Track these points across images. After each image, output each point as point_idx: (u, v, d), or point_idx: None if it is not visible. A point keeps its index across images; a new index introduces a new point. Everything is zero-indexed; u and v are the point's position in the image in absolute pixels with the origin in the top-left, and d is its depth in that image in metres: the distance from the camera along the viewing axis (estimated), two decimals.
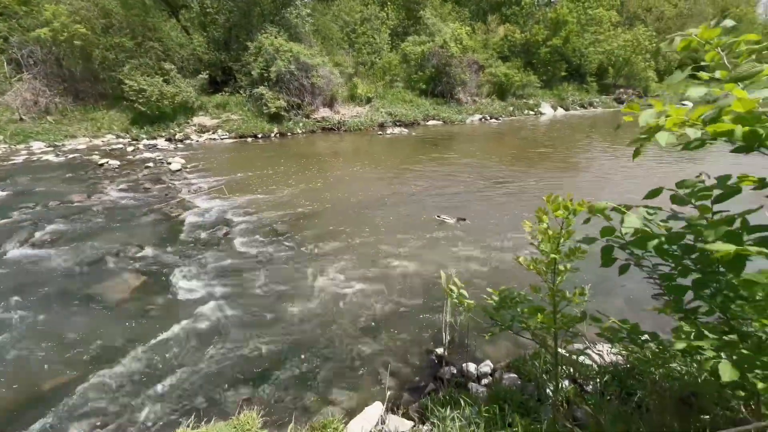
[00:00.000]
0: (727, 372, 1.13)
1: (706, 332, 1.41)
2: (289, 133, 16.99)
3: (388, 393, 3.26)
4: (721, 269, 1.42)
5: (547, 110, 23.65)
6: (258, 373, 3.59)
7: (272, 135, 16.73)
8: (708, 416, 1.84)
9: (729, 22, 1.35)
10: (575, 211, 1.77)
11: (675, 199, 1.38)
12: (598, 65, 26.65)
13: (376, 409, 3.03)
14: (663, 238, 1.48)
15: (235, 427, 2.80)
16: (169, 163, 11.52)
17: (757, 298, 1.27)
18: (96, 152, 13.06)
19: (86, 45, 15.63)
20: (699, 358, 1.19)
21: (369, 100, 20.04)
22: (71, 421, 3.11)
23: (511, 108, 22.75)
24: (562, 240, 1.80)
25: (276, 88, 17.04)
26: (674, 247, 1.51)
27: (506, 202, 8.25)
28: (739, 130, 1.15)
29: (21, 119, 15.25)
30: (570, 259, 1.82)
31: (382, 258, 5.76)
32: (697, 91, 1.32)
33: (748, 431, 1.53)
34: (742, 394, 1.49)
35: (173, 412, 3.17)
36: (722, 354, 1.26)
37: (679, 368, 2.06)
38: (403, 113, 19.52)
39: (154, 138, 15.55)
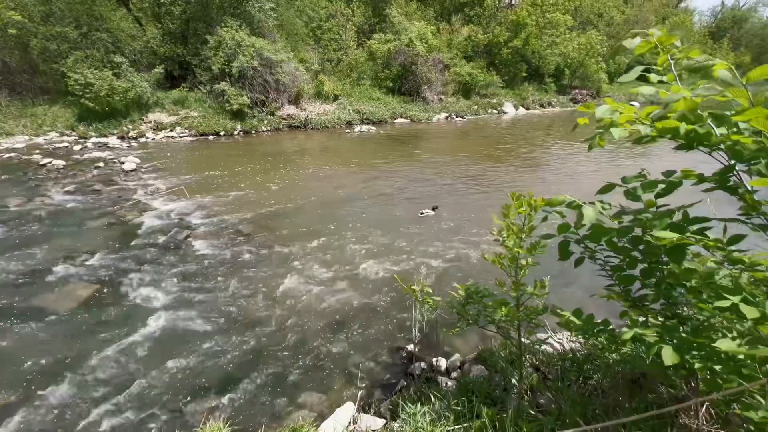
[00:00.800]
0: (668, 356, 1.22)
1: (651, 320, 1.52)
2: (253, 131, 16.46)
3: (360, 392, 3.27)
4: (665, 259, 1.53)
5: (510, 109, 24.53)
6: (223, 381, 3.46)
7: (236, 133, 16.13)
8: (655, 395, 1.99)
9: (679, 32, 1.46)
10: (536, 208, 1.84)
11: (628, 194, 1.47)
12: (556, 67, 27.99)
13: (348, 409, 3.02)
14: (614, 232, 1.58)
15: None
16: (123, 163, 10.80)
17: (694, 284, 1.38)
18: (37, 151, 11.99)
19: (23, 34, 14.28)
20: (646, 343, 1.28)
21: (336, 98, 19.83)
22: None
23: (476, 107, 23.38)
24: (524, 235, 1.87)
25: (239, 84, 16.42)
26: (624, 240, 1.61)
27: (475, 198, 8.47)
28: (683, 127, 1.25)
29: None
30: (531, 253, 1.89)
31: (350, 257, 5.73)
32: (647, 90, 1.42)
33: (689, 407, 1.67)
34: (684, 372, 1.63)
35: (133, 427, 2.98)
36: (665, 338, 1.37)
37: (630, 352, 2.21)
38: (371, 111, 19.49)
39: (105, 136, 14.51)
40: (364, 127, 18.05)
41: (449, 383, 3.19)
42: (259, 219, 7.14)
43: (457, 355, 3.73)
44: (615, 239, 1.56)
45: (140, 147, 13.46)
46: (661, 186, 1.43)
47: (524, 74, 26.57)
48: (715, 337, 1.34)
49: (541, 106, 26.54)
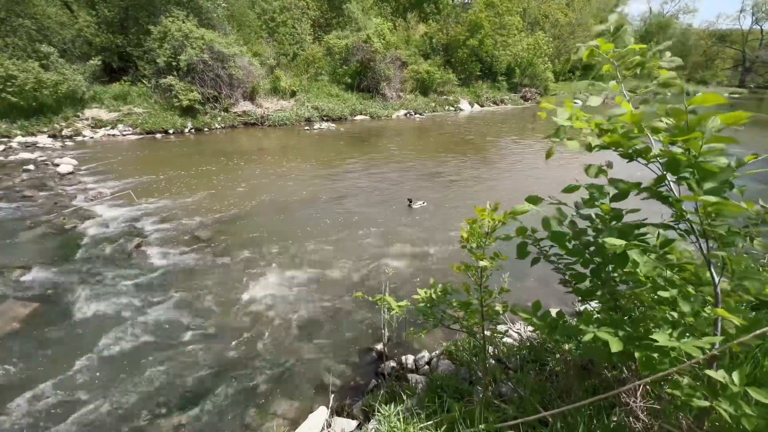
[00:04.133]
0: (614, 344, 1.39)
1: (600, 315, 1.71)
2: (206, 129, 15.64)
3: (332, 396, 3.29)
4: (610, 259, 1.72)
5: (465, 106, 25.36)
6: (188, 397, 3.32)
7: (186, 130, 15.23)
8: (601, 378, 2.22)
9: (613, 17, 1.62)
10: (497, 223, 1.97)
11: (587, 202, 1.63)
12: (507, 66, 29.31)
13: (321, 414, 3.04)
14: (569, 236, 1.74)
15: None
16: (57, 165, 9.83)
17: (640, 278, 1.57)
18: None
19: None
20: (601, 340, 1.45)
21: (294, 94, 19.34)
22: None
23: (433, 104, 23.89)
24: (487, 242, 1.99)
25: (188, 78, 15.49)
26: (576, 241, 1.78)
27: (438, 195, 8.71)
28: (625, 143, 1.42)
29: None
30: (494, 261, 2.02)
31: (315, 259, 5.69)
32: (595, 101, 1.57)
33: (630, 388, 1.89)
34: (625, 358, 1.84)
35: None
36: (611, 329, 1.55)
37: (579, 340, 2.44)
38: (330, 108, 19.25)
39: (33, 135, 13.08)
40: (324, 125, 17.81)
41: (419, 379, 3.31)
42: (217, 223, 6.85)
43: (425, 352, 3.87)
44: (568, 243, 1.73)
45: (77, 146, 12.30)
46: (614, 192, 1.59)
47: (478, 73, 27.54)
48: (651, 327, 1.55)
49: (495, 103, 27.68)
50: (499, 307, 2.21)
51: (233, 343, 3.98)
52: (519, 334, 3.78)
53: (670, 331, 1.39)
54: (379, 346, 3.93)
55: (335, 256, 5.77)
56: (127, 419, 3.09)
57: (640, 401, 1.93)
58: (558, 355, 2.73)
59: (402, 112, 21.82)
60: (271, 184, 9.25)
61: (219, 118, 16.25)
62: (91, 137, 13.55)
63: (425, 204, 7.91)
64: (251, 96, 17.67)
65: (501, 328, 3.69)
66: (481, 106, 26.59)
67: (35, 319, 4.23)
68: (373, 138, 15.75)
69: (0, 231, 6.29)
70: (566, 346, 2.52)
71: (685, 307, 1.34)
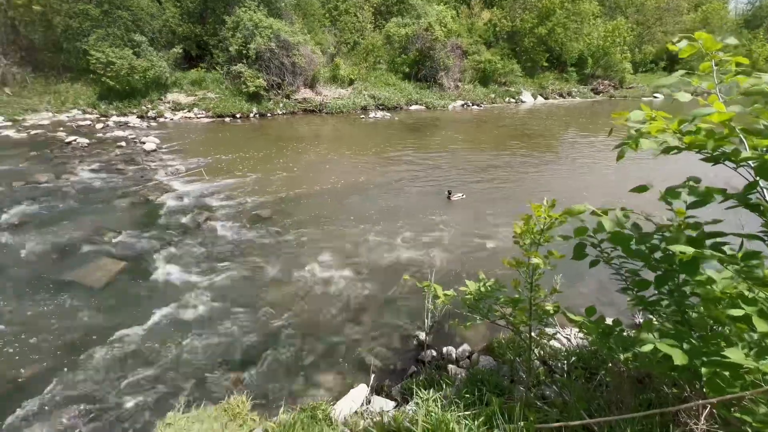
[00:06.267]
0: (678, 357, 1.30)
1: (664, 325, 1.60)
2: (269, 114, 16.55)
3: (372, 376, 3.43)
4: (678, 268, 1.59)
5: (528, 98, 24.01)
6: (244, 358, 3.67)
7: (251, 115, 16.25)
8: (658, 394, 2.08)
9: (732, 40, 1.47)
10: (553, 223, 1.90)
11: (664, 196, 1.51)
12: (578, 55, 27.09)
13: (361, 391, 3.20)
14: (633, 239, 1.64)
15: (225, 410, 2.89)
16: (143, 143, 11.05)
17: (706, 295, 1.45)
18: (61, 129, 12.33)
19: (47, 11, 14.46)
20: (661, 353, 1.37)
21: (352, 82, 19.68)
22: (54, 408, 3.11)
23: (493, 95, 22.93)
24: (542, 240, 1.94)
25: (255, 66, 16.43)
26: (642, 246, 1.67)
27: (489, 189, 8.47)
28: (711, 144, 1.30)
29: None
30: (547, 260, 1.97)
31: (365, 243, 5.86)
32: (684, 97, 1.45)
33: (692, 408, 1.76)
34: (689, 375, 1.71)
35: (162, 397, 3.22)
36: (674, 341, 1.45)
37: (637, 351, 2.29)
38: (386, 97, 19.32)
39: (125, 115, 14.79)
40: (379, 113, 17.95)
41: (459, 372, 3.33)
42: (277, 203, 7.31)
43: (466, 345, 3.86)
44: (633, 246, 1.63)
45: (159, 127, 13.70)
46: (693, 199, 1.46)
47: (545, 63, 25.82)
48: (723, 345, 1.42)
49: (561, 95, 25.87)
50: (549, 307, 2.15)
51: (285, 315, 4.29)
52: (567, 339, 3.62)
53: (746, 350, 1.28)
54: (421, 335, 4.00)
55: (384, 242, 5.90)
56: (193, 371, 3.50)
57: (703, 424, 1.78)
58: (610, 365, 2.59)
59: (459, 102, 21.26)
60: (326, 169, 9.61)
61: (281, 105, 17.09)
62: (171, 119, 14.99)
63: (464, 197, 7.78)
64: (311, 84, 18.31)
65: (549, 331, 3.57)
66: (545, 98, 25.00)
67: (123, 275, 4.90)
68: (427, 128, 15.59)
69: (99, 197, 7.30)
70: (621, 356, 2.38)
71: (762, 327, 1.22)
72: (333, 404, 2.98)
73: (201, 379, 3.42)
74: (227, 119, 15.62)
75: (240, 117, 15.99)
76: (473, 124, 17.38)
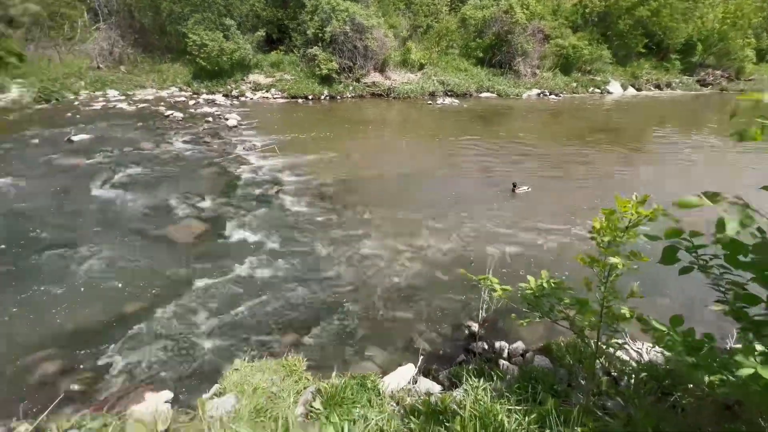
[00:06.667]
0: None
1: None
2: (338, 97, 17.03)
3: (421, 357, 3.48)
4: None
5: (616, 89, 21.57)
6: (302, 322, 3.94)
7: (322, 97, 16.87)
8: (750, 426, 1.82)
9: None
10: (647, 217, 1.72)
11: None
12: (686, 40, 23.46)
13: (409, 369, 3.26)
14: (746, 248, 1.39)
15: (284, 366, 3.15)
16: (227, 119, 12.10)
17: None
18: (162, 104, 13.97)
19: None
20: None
21: (422, 67, 19.36)
22: (145, 343, 3.64)
23: (575, 84, 21.00)
24: (625, 239, 1.77)
25: (329, 49, 16.92)
26: (759, 255, 1.43)
27: (560, 186, 7.90)
28: None
29: (98, 67, 16.51)
30: (629, 261, 1.80)
31: (425, 230, 5.86)
32: None
33: None
34: None
35: (229, 346, 3.61)
36: None
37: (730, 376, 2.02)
38: (456, 83, 18.72)
39: (213, 93, 16.26)
40: (447, 100, 17.50)
41: (511, 367, 3.23)
42: (341, 182, 7.59)
43: (520, 343, 3.72)
44: (742, 258, 1.41)
45: (240, 105, 14.86)
46: None
47: (642, 49, 22.79)
48: None
49: (658, 87, 22.81)
50: (625, 311, 1.97)
51: (341, 287, 4.50)
52: (638, 353, 3.30)
53: None
54: (474, 325, 3.93)
55: (440, 230, 5.85)
56: (258, 325, 3.85)
57: None
58: (690, 386, 2.32)
59: (535, 91, 19.86)
60: (390, 153, 9.69)
61: (350, 88, 17.46)
62: (251, 98, 16.15)
63: (529, 190, 7.33)
64: (381, 68, 18.38)
65: (617, 340, 3.29)
66: (638, 89, 22.25)
67: (204, 235, 5.51)
68: (497, 117, 14.86)
69: (188, 166, 8.22)
70: (706, 378, 2.12)
71: None
72: (381, 377, 3.09)
73: (265, 333, 3.76)
74: (300, 100, 16.41)
75: (312, 99, 16.69)
76: (549, 114, 16.16)
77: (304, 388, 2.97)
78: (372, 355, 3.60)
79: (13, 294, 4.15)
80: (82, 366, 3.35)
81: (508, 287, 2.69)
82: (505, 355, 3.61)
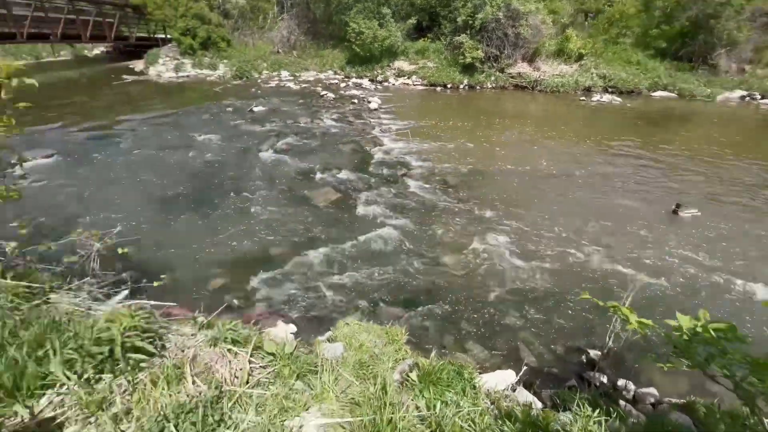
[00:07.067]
0: None
1: None
2: (477, 87, 16.53)
3: (524, 368, 3.25)
4: None
5: None
6: (410, 299, 4.11)
7: (461, 86, 16.62)
8: None
9: None
10: None
11: None
12: None
13: (509, 375, 3.10)
14: None
15: (387, 333, 3.36)
16: (369, 102, 13.10)
17: None
18: (319, 85, 15.99)
19: None
20: None
21: (581, 58, 17.10)
22: (282, 281, 4.36)
23: None
24: None
25: (477, 37, 16.42)
26: None
27: (746, 215, 6.10)
28: None
29: (278, 52, 19.79)
30: None
31: (550, 237, 5.34)
32: None
33: None
34: None
35: (345, 302, 4.04)
36: None
37: None
38: (622, 78, 15.97)
39: (361, 77, 17.75)
40: (606, 97, 15.11)
41: (635, 412, 2.75)
42: (467, 174, 7.47)
43: (653, 389, 3.13)
44: None
45: (383, 90, 15.84)
46: None
47: None
48: None
49: None
50: None
51: (452, 276, 4.50)
52: None
53: None
54: (594, 353, 3.47)
55: (569, 240, 5.23)
56: (371, 292, 4.19)
57: None
58: None
59: (738, 93, 15.47)
60: (524, 150, 9.01)
61: (492, 78, 16.70)
62: (393, 84, 17.04)
63: (698, 214, 5.82)
64: (531, 58, 16.96)
65: None
66: None
67: (338, 203, 6.21)
68: (671, 123, 12.16)
69: (333, 140, 9.32)
70: None
71: None
72: (480, 374, 3.03)
73: (375, 300, 4.08)
74: (438, 88, 16.53)
75: (450, 87, 16.62)
76: (755, 123, 12.42)
77: (403, 358, 3.14)
78: (471, 351, 3.54)
79: (200, 224, 5.49)
80: (238, 286, 4.24)
81: (647, 321, 2.27)
82: (630, 396, 3.09)
